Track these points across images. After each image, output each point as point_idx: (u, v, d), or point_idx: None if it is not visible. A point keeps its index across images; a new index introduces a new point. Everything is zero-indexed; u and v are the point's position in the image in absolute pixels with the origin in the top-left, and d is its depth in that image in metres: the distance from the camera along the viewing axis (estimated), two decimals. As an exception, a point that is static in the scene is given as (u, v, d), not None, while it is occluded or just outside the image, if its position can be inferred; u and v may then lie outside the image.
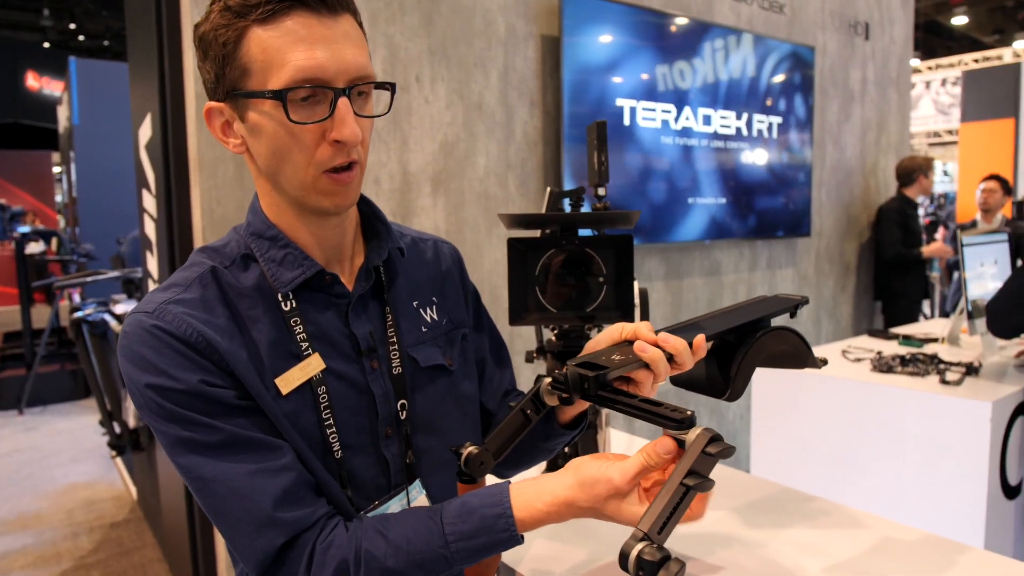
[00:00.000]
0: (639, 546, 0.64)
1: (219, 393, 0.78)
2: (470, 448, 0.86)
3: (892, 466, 2.32)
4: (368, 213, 0.97)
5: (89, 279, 3.90)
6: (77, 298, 6.99)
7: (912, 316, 4.60)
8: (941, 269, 6.06)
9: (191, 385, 0.77)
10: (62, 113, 8.80)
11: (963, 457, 2.14)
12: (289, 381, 0.84)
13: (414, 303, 0.99)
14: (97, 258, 6.63)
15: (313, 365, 0.86)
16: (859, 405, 2.42)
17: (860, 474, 2.39)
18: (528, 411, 0.89)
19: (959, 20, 14.74)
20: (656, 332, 0.85)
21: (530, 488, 0.80)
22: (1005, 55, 8.98)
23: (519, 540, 0.79)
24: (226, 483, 0.77)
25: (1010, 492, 2.23)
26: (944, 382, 2.30)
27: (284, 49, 0.76)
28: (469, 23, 2.82)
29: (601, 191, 1.46)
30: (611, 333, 0.88)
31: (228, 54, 0.78)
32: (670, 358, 0.83)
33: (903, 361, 2.53)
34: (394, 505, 0.91)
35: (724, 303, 3.92)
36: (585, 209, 1.50)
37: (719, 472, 1.60)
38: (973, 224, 4.71)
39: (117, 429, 3.49)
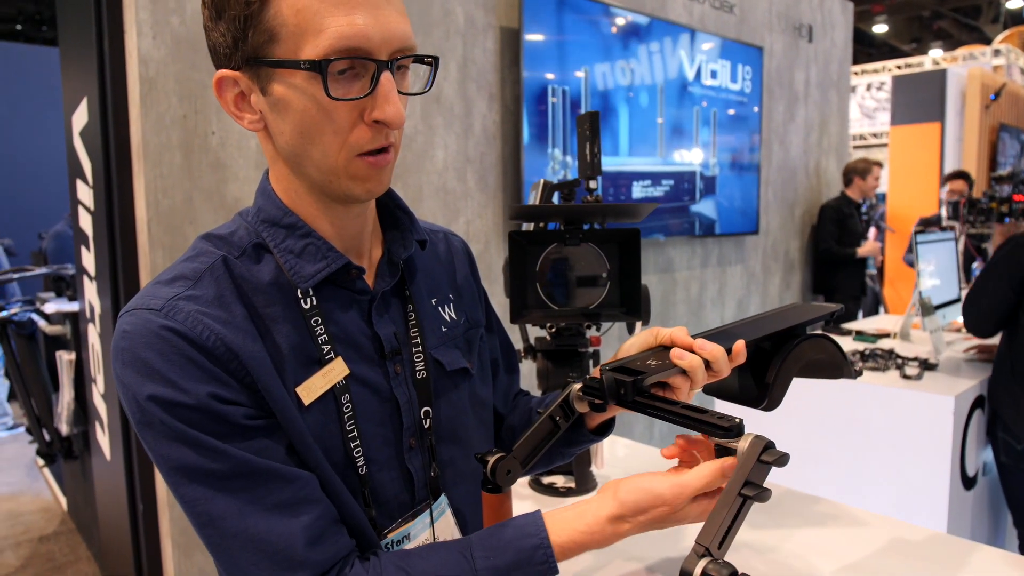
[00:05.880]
0: (702, 563, 0.61)
1: (229, 411, 0.69)
2: (496, 456, 0.80)
3: (858, 458, 2.36)
4: (386, 200, 0.89)
5: (16, 276, 3.63)
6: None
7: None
8: (876, 267, 6.28)
9: (201, 399, 0.67)
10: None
11: (927, 449, 2.18)
12: (312, 390, 0.75)
13: (432, 300, 0.91)
14: (16, 254, 6.20)
15: (337, 371, 0.77)
16: (824, 399, 2.45)
17: (826, 466, 2.43)
18: (557, 418, 0.84)
19: (880, 28, 15.38)
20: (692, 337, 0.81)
21: (567, 512, 0.74)
22: (925, 62, 9.39)
23: (556, 572, 0.72)
24: (238, 521, 0.68)
25: (968, 483, 2.29)
26: (905, 377, 2.35)
27: (322, 12, 0.66)
28: (427, 11, 2.74)
29: (592, 184, 1.41)
30: (645, 337, 0.84)
31: (252, 14, 0.68)
32: (707, 365, 0.79)
33: (863, 356, 2.58)
34: (418, 524, 0.84)
35: (677, 299, 3.94)
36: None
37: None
38: (937, 220, 4.79)
39: (47, 436, 3.25)
